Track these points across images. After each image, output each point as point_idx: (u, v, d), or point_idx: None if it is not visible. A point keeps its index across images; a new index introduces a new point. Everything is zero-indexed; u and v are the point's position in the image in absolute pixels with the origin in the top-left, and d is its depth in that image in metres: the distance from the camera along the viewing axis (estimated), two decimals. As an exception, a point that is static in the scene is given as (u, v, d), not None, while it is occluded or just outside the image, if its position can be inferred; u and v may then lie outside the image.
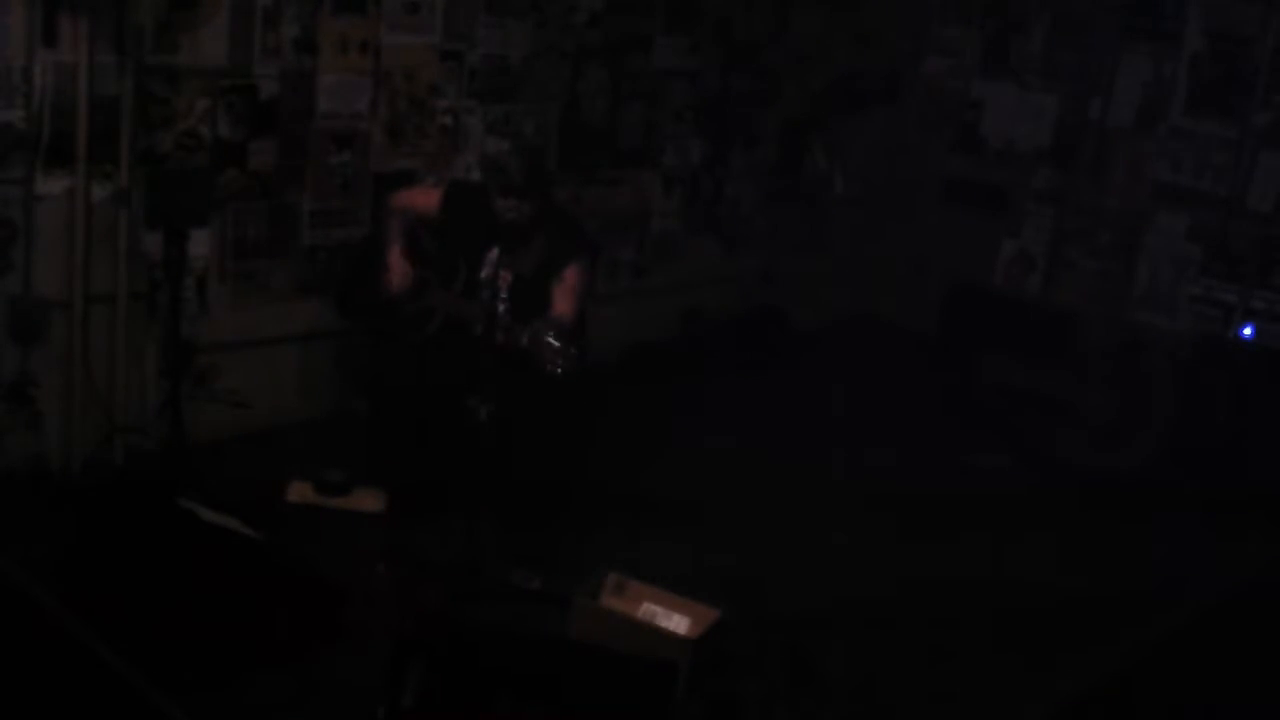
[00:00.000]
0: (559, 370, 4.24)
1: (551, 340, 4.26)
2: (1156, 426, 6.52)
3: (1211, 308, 6.85)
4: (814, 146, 7.54)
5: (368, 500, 5.02)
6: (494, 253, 4.85)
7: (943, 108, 7.74)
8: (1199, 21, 6.77)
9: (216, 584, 3.96)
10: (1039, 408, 6.76)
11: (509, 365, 4.49)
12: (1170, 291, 6.99)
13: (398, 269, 5.00)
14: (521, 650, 3.89)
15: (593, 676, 3.80)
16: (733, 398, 6.53)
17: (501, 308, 4.72)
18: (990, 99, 7.57)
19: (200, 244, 5.14)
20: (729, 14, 6.83)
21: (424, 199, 5.08)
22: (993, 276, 7.58)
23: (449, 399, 4.77)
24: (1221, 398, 6.48)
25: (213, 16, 4.97)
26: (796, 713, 4.15)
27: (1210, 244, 6.84)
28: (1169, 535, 5.67)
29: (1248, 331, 6.68)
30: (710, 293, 7.21)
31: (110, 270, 4.91)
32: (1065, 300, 7.35)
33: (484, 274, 4.88)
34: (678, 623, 4.15)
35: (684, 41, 6.68)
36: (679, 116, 6.81)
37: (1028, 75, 7.43)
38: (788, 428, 6.34)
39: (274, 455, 5.28)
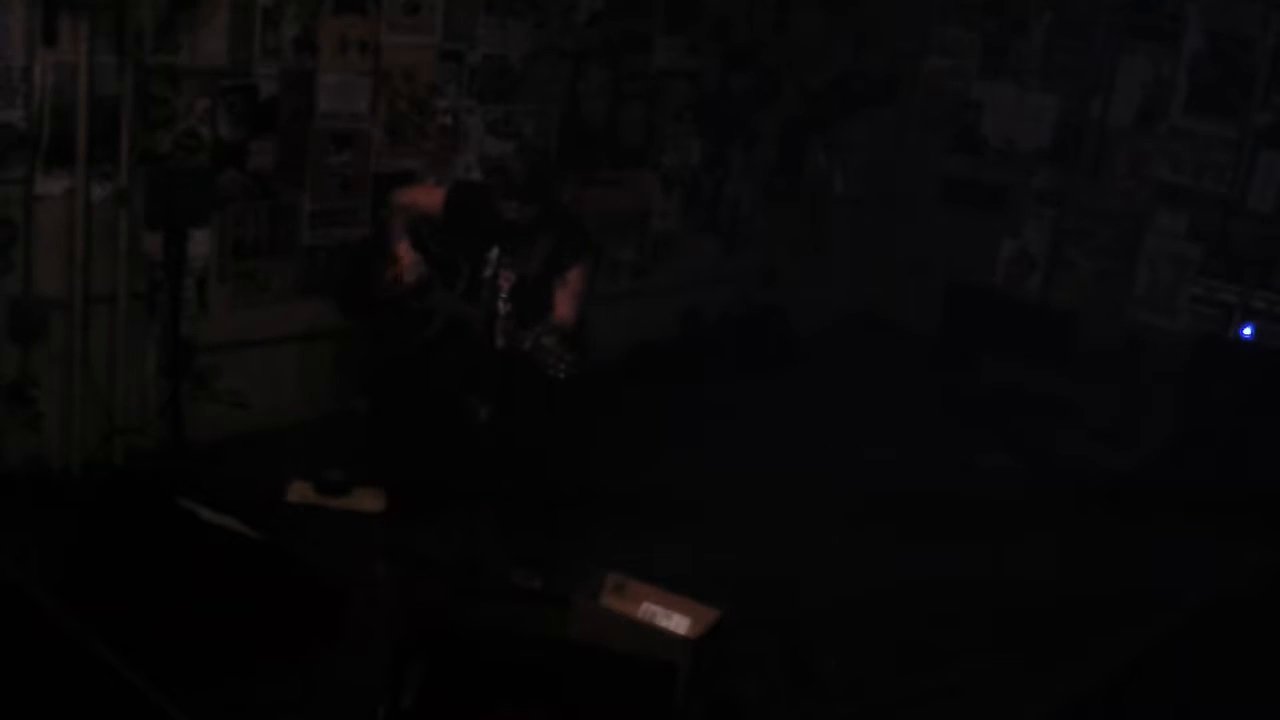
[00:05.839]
0: (561, 375, 4.23)
1: (553, 345, 4.25)
2: (1156, 426, 6.52)
3: (1211, 308, 6.85)
4: (814, 146, 7.55)
5: (368, 500, 5.02)
6: (496, 254, 4.85)
7: (943, 108, 7.74)
8: (1199, 21, 6.78)
9: (216, 584, 3.95)
10: (1039, 408, 6.76)
11: (509, 365, 4.49)
12: (1170, 291, 6.99)
13: (407, 260, 5.00)
14: (521, 650, 3.88)
15: (593, 676, 3.80)
16: (733, 398, 6.53)
17: (503, 309, 4.72)
18: (990, 99, 7.57)
19: (200, 244, 5.15)
20: (729, 14, 6.82)
21: (427, 198, 5.08)
22: (993, 276, 7.59)
23: (449, 399, 4.78)
24: (1221, 398, 6.48)
25: (213, 16, 4.97)
26: (796, 713, 4.15)
27: (1210, 244, 6.84)
28: (1169, 535, 5.68)
29: (1248, 331, 6.68)
30: (710, 293, 7.21)
31: (110, 270, 4.91)
32: (1065, 300, 7.35)
33: (486, 275, 4.88)
34: (678, 623, 4.14)
35: (684, 41, 6.67)
36: (679, 116, 6.81)
37: (1028, 75, 7.43)
38: (788, 428, 6.34)
39: (274, 455, 5.28)
